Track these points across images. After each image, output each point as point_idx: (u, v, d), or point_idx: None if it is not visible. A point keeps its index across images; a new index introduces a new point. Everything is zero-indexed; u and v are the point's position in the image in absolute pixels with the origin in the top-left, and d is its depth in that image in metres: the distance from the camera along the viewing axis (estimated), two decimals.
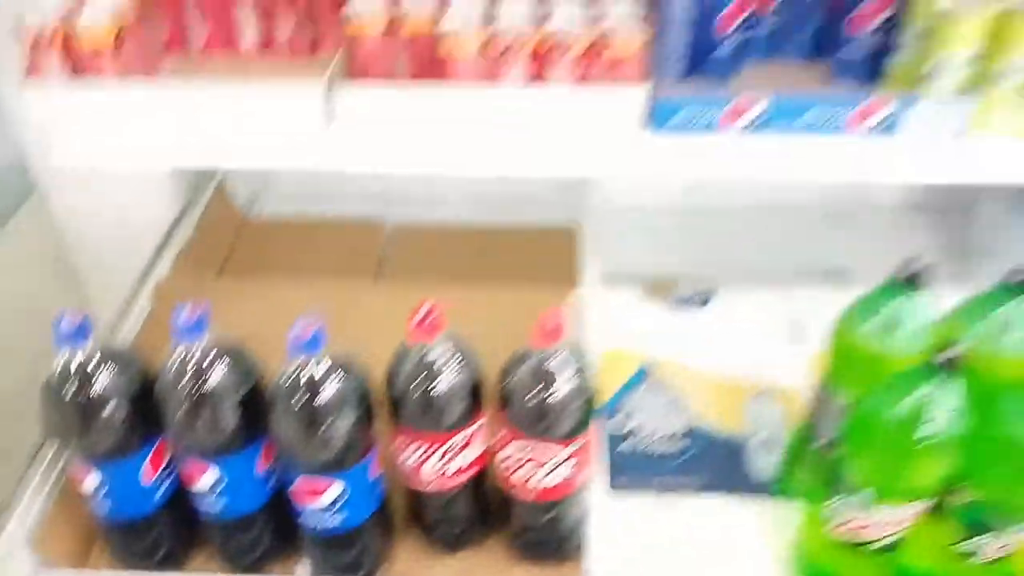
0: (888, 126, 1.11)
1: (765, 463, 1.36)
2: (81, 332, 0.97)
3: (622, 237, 1.82)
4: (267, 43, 1.33)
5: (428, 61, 1.14)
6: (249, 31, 1.32)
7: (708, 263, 1.77)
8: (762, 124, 1.11)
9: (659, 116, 1.12)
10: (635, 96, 1.11)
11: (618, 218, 1.84)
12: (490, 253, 1.75)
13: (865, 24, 1.16)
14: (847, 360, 1.12)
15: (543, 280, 1.60)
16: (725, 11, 1.15)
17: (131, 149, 1.18)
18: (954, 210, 1.77)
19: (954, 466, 1.02)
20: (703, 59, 1.20)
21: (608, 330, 1.56)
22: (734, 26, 1.17)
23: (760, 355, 1.54)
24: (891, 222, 1.85)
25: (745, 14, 1.17)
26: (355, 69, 1.19)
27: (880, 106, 1.09)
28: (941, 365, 0.94)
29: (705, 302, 1.70)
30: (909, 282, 1.04)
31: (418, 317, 0.98)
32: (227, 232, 1.80)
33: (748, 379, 1.49)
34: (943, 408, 0.96)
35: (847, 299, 1.09)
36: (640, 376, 1.51)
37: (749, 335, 1.60)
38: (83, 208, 1.64)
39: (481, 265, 1.71)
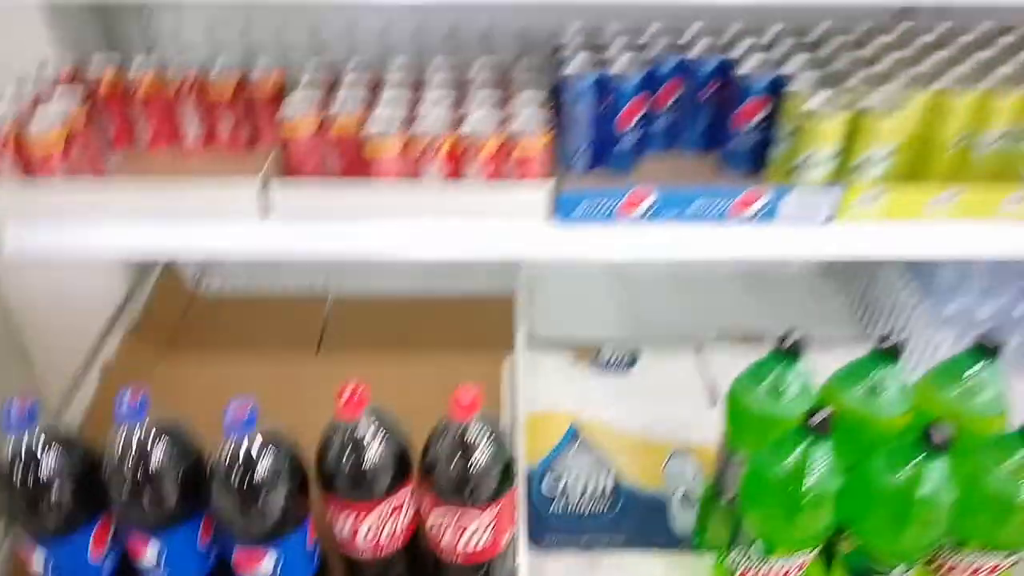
0: (767, 213, 1.25)
1: (685, 518, 1.46)
2: (29, 417, 1.05)
3: (553, 305, 1.94)
4: (209, 139, 1.44)
5: (355, 159, 1.26)
6: (192, 128, 1.43)
7: (633, 328, 1.89)
8: (655, 214, 1.24)
9: (563, 208, 1.24)
10: (540, 191, 1.24)
11: (550, 287, 1.96)
12: (429, 322, 1.85)
13: (748, 120, 1.31)
14: (741, 422, 1.24)
15: (480, 347, 1.71)
16: (624, 110, 1.28)
17: (80, 243, 1.27)
18: (860, 275, 1.92)
19: (834, 517, 1.13)
20: (606, 153, 1.34)
21: (539, 393, 1.67)
22: (632, 123, 1.30)
23: (680, 415, 1.65)
24: (805, 287, 2.00)
25: (642, 112, 1.31)
26: (290, 166, 1.31)
27: (757, 196, 1.23)
28: (813, 427, 1.06)
29: (631, 365, 1.81)
30: (791, 350, 1.16)
31: (344, 396, 1.07)
32: (175, 309, 1.88)
33: (669, 439, 1.60)
34: (819, 465, 1.08)
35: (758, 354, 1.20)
36: (569, 437, 1.61)
37: (670, 396, 1.71)
38: (33, 290, 1.71)
39: (420, 334, 1.81)
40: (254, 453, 1.04)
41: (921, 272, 1.76)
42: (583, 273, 2.01)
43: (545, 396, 1.67)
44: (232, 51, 1.47)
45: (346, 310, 1.89)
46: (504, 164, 1.23)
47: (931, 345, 1.65)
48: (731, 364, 1.25)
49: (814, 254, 1.28)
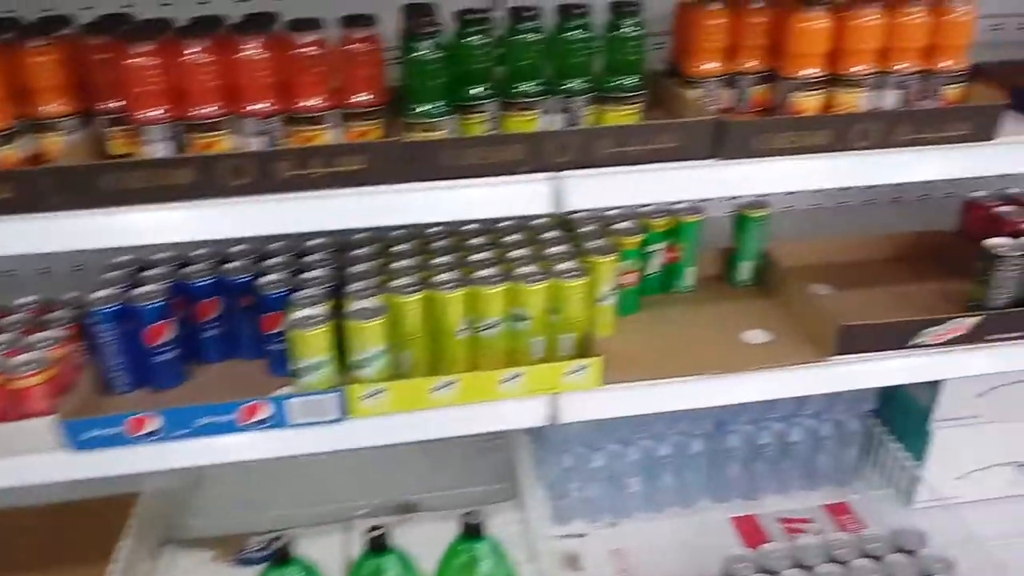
0: (277, 419, 1.34)
1: None
2: None
3: (191, 499, 1.95)
4: None
5: None
6: None
7: (289, 514, 1.92)
8: (165, 433, 1.31)
9: (72, 435, 1.30)
10: (42, 425, 1.29)
11: (207, 483, 1.98)
12: (44, 529, 1.82)
13: (272, 329, 1.41)
14: None
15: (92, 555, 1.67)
16: (150, 328, 1.37)
17: None
18: (503, 448, 2.02)
19: None
20: (146, 373, 1.41)
21: None
22: (161, 342, 1.39)
23: None
24: (458, 456, 2.07)
25: (171, 331, 1.39)
26: None
27: (259, 406, 1.32)
28: None
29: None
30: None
31: None
32: None
33: None
34: None
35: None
36: None
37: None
38: None
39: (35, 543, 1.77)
40: None
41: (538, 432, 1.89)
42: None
43: None
44: None
45: None
46: (7, 401, 1.28)
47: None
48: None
49: (334, 447, 1.37)
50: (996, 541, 1.78)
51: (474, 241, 1.57)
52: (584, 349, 1.47)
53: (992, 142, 1.35)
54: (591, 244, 1.55)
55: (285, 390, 1.37)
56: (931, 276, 1.77)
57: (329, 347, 1.33)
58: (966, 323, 1.51)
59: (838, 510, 1.97)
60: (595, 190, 1.26)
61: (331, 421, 1.35)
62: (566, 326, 1.46)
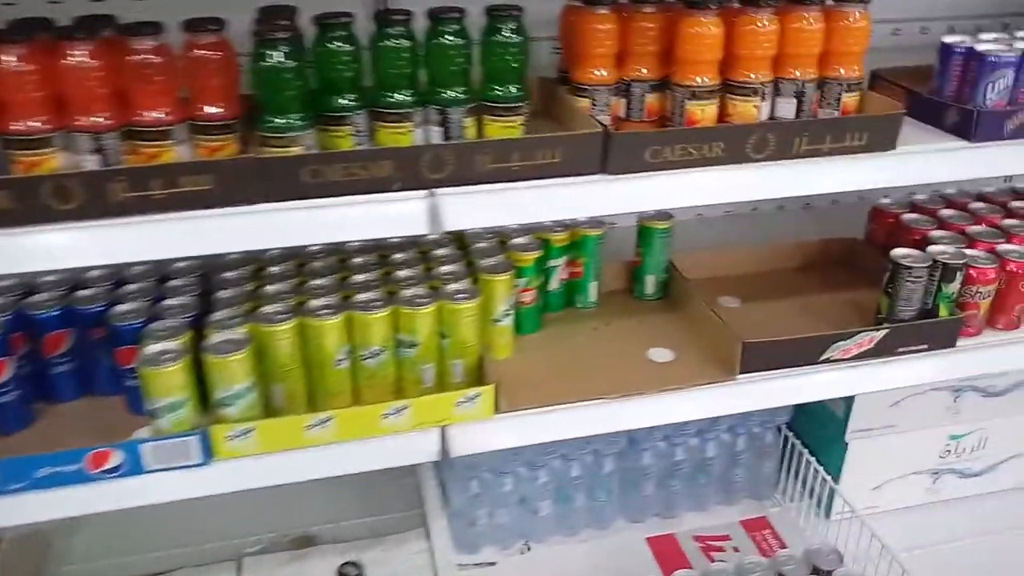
0: (132, 466, 1.20)
1: None
2: None
3: (64, 544, 1.79)
4: None
5: None
6: None
7: (173, 554, 1.78)
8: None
9: None
10: None
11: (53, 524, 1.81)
12: None
13: (127, 365, 1.28)
14: None
15: None
16: None
17: None
18: (408, 474, 1.92)
19: None
20: None
21: None
22: (1, 379, 1.24)
23: None
24: (362, 483, 1.96)
25: (13, 365, 1.25)
26: None
27: (109, 453, 1.18)
28: None
29: None
30: None
31: None
32: None
33: None
34: None
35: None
36: None
37: None
38: None
39: None
40: None
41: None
42: None
43: None
44: None
45: None
46: None
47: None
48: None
49: (199, 494, 1.24)
50: (914, 551, 1.75)
51: (357, 260, 1.45)
52: (478, 375, 1.37)
53: (894, 152, 1.29)
54: (485, 261, 1.45)
55: (141, 432, 1.23)
56: (840, 285, 1.73)
57: (187, 385, 1.21)
58: (873, 337, 1.46)
59: (756, 525, 1.92)
60: (475, 209, 1.16)
61: (194, 465, 1.22)
62: (458, 351, 1.36)
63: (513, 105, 1.21)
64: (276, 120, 1.11)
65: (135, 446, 1.19)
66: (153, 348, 1.20)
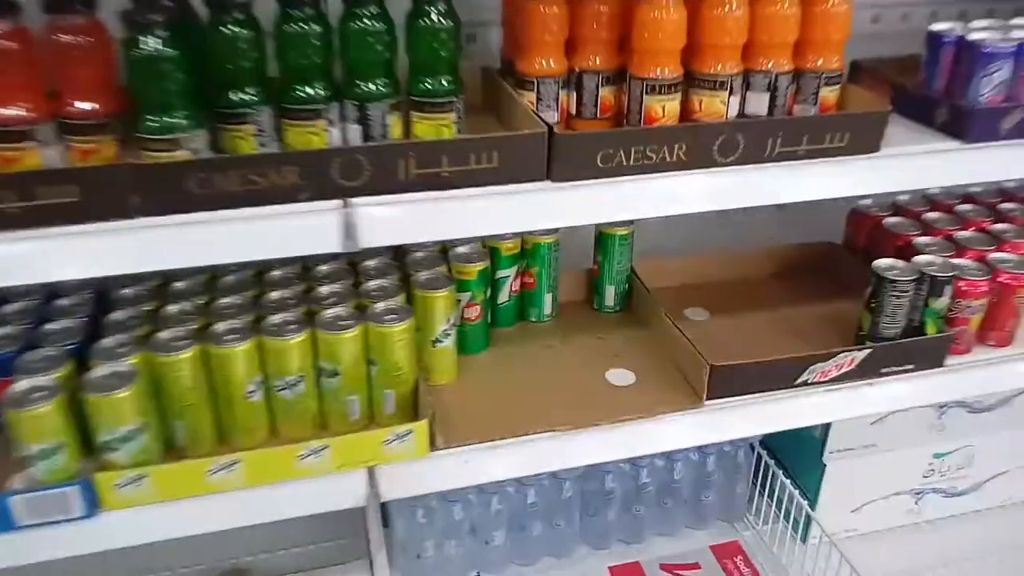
0: (2, 522, 1.03)
1: None
2: None
3: None
4: None
5: None
6: None
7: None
8: None
9: None
10: None
11: None
12: None
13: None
14: None
15: None
16: None
17: None
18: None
19: None
20: None
21: None
22: None
23: None
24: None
25: None
26: None
27: None
28: None
29: None
30: None
31: None
32: None
33: None
34: None
35: None
36: None
37: None
38: None
39: None
40: None
41: None
42: None
43: None
44: None
45: None
46: None
47: None
48: None
49: (85, 550, 1.07)
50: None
51: (275, 274, 1.28)
52: (414, 406, 1.21)
53: (879, 154, 1.14)
54: (422, 275, 1.28)
55: (14, 482, 1.06)
56: (816, 295, 1.58)
57: (63, 427, 1.03)
58: (854, 357, 1.31)
59: (728, 551, 1.78)
60: (397, 223, 0.99)
61: (77, 519, 1.05)
62: (389, 380, 1.20)
63: (444, 100, 1.04)
64: (155, 119, 0.94)
65: (3, 499, 1.02)
66: (22, 385, 1.02)
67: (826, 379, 1.33)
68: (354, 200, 0.98)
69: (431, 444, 1.18)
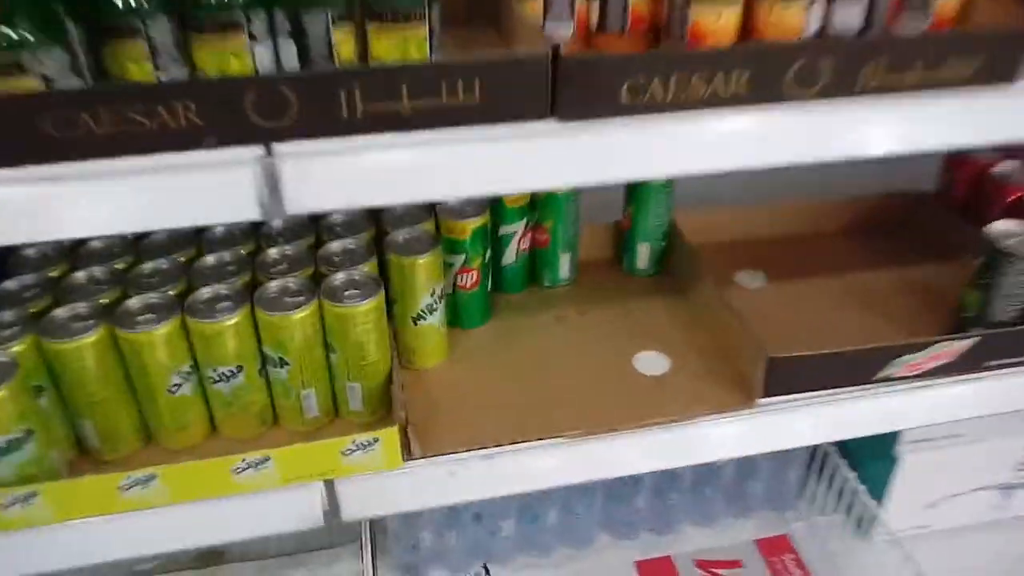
0: None
1: None
2: None
3: None
4: None
5: None
6: None
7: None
8: None
9: None
10: None
11: None
12: None
13: None
14: None
15: None
16: None
17: None
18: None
19: None
20: None
21: None
22: None
23: None
24: None
25: None
26: None
27: None
28: None
29: None
30: None
31: None
32: None
33: None
34: None
35: None
36: None
37: None
38: None
39: None
40: None
41: None
42: None
43: None
44: None
45: None
46: None
47: None
48: None
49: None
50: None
51: (209, 234, 1.03)
52: (387, 399, 0.97)
53: (1015, 86, 0.82)
54: (398, 233, 1.02)
55: None
56: (901, 260, 1.29)
57: None
58: (958, 347, 1.02)
59: (776, 547, 1.54)
60: (338, 179, 0.72)
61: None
62: (354, 370, 0.95)
63: (411, 7, 0.75)
64: (4, 31, 0.66)
65: None
66: None
67: (915, 373, 1.04)
68: (279, 147, 0.70)
69: (406, 452, 0.93)
